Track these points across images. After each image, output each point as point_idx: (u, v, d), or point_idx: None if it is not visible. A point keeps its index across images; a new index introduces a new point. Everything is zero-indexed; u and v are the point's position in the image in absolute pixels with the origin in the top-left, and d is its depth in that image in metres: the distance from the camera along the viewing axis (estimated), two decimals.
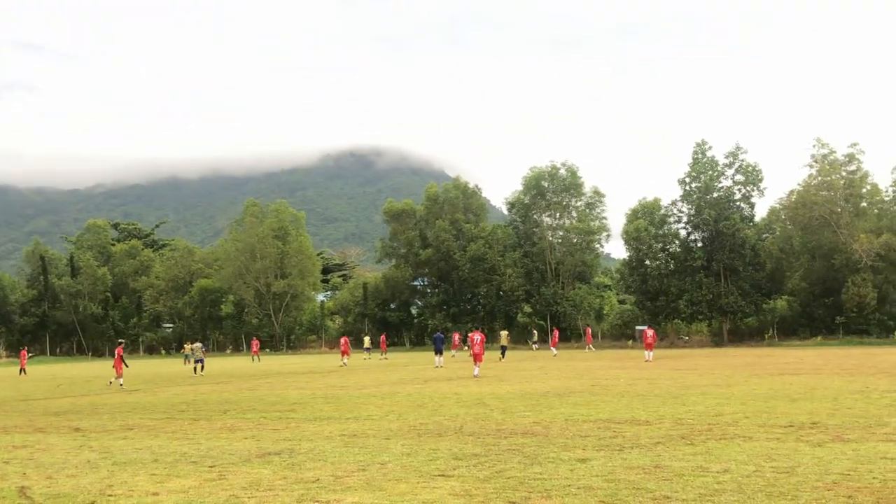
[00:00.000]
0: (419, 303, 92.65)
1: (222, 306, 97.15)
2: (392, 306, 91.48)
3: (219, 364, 56.25)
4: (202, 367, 44.54)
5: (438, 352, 43.38)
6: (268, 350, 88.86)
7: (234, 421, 18.76)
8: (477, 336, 34.74)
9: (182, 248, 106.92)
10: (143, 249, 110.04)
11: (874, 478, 9.89)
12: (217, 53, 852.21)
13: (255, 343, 68.97)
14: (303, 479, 10.76)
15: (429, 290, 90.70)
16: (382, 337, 66.93)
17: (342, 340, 53.19)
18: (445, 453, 12.63)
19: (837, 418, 15.92)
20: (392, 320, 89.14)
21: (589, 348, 64.03)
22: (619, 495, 9.22)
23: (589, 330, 68.19)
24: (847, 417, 16.03)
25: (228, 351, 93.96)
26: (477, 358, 33.51)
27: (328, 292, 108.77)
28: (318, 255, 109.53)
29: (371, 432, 15.69)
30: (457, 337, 64.82)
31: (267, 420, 18.71)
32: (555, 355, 54.66)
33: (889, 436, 13.39)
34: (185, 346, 67.16)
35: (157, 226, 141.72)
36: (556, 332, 62.24)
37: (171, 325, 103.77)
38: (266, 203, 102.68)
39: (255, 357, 65.53)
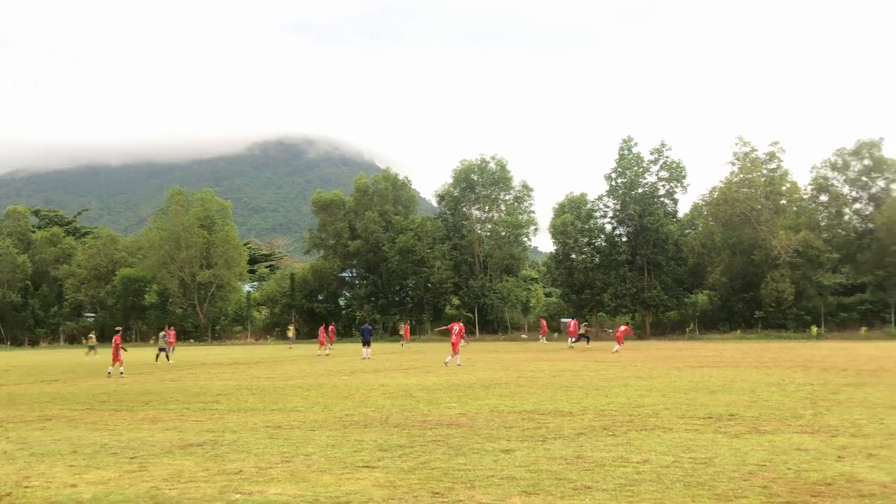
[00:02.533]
0: (347, 294, 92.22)
1: (146, 296, 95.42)
2: (320, 297, 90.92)
3: (141, 354, 55.10)
4: (168, 356, 44.42)
5: (366, 343, 43.42)
6: (192, 341, 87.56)
7: (156, 412, 18.47)
8: (456, 326, 36.93)
9: (105, 237, 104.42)
10: (64, 237, 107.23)
11: (788, 468, 10.17)
12: (142, 37, 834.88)
13: (172, 333, 64.32)
14: (225, 471, 10.65)
15: (357, 282, 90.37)
16: (332, 327, 62.85)
17: (325, 328, 53.02)
18: (370, 445, 12.63)
19: (754, 410, 16.34)
20: (320, 311, 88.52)
21: (541, 339, 64.69)
22: (542, 485, 9.33)
23: (544, 322, 68.21)
24: (764, 409, 16.46)
25: (152, 341, 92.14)
26: (455, 347, 35.16)
27: (255, 283, 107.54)
28: (245, 245, 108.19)
29: (296, 424, 15.60)
30: (406, 328, 65.54)
31: (190, 411, 18.45)
32: (571, 346, 52.91)
33: (804, 428, 13.79)
34: (91, 336, 64.75)
35: (79, 213, 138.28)
36: (575, 323, 57.25)
37: (93, 315, 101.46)
38: (192, 192, 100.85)
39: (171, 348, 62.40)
